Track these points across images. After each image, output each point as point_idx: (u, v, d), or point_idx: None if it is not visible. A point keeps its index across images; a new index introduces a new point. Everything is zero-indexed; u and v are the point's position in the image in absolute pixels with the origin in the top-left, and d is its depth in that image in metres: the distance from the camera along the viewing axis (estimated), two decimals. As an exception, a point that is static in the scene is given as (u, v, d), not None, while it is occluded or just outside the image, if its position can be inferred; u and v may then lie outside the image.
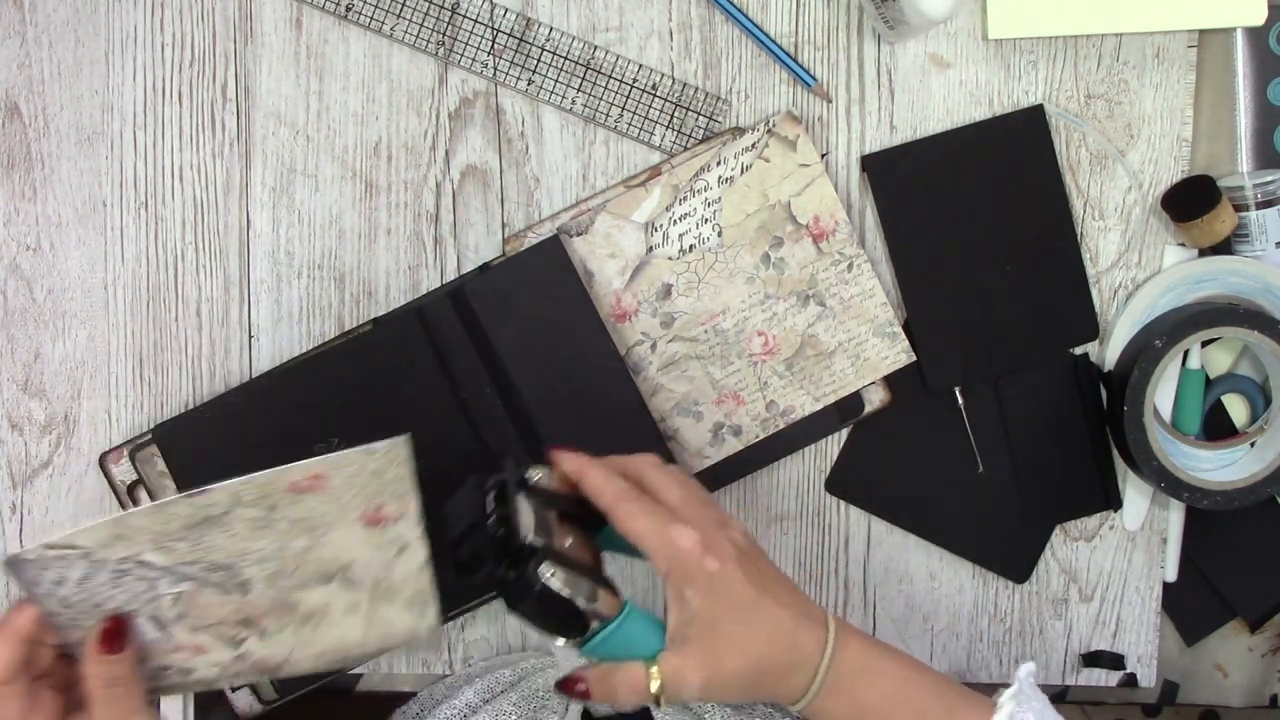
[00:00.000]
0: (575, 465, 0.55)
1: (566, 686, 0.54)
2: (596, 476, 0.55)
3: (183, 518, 0.53)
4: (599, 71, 0.71)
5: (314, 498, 0.55)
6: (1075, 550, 0.75)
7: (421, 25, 0.70)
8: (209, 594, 0.55)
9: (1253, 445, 0.74)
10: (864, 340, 0.72)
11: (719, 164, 0.71)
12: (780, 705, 0.61)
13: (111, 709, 0.52)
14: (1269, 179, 0.71)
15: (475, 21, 0.71)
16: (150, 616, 0.54)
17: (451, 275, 0.72)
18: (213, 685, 0.57)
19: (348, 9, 0.71)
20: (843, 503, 0.74)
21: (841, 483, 0.74)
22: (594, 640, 0.53)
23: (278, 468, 0.53)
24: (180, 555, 0.54)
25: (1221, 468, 0.74)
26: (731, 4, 0.71)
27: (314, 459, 0.54)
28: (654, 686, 0.52)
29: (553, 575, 0.52)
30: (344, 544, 0.56)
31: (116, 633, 0.53)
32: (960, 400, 0.73)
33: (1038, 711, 0.53)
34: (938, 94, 0.72)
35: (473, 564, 0.56)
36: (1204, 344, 0.74)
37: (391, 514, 0.56)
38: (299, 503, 0.55)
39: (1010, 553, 0.75)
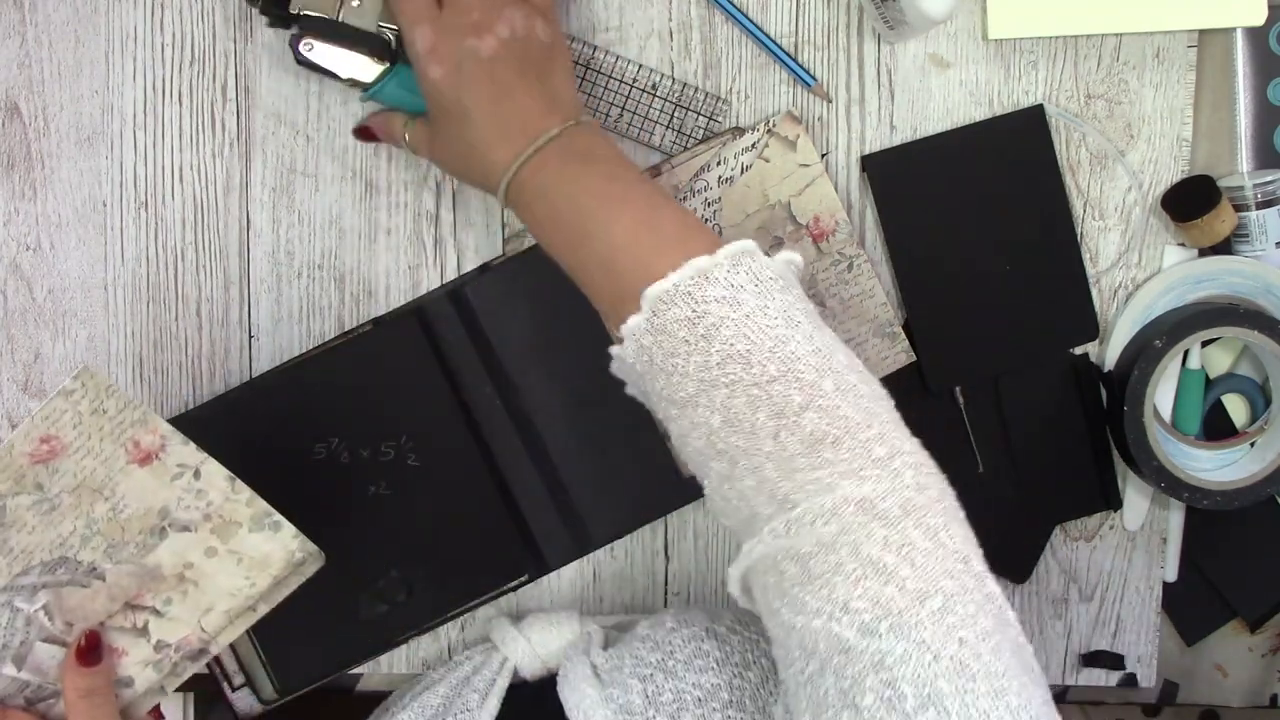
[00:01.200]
0: None
1: (361, 132, 0.69)
2: None
3: None
4: (599, 71, 0.71)
5: (66, 461, 0.56)
6: (1075, 550, 0.75)
7: (421, 25, 0.70)
8: (72, 594, 0.57)
9: (1253, 445, 0.74)
10: (864, 340, 0.72)
11: (719, 164, 0.71)
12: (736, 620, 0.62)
13: (88, 718, 0.55)
14: (1269, 179, 0.71)
15: (475, 21, 0.71)
16: (42, 640, 0.56)
17: (451, 275, 0.72)
18: (164, 690, 0.59)
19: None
20: (843, 503, 0.74)
21: (841, 483, 0.74)
22: (374, 88, 0.65)
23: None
24: (3, 571, 0.56)
25: (1221, 468, 0.74)
26: (731, 4, 0.71)
27: (24, 422, 0.56)
28: (405, 140, 0.65)
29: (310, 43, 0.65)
30: (140, 492, 0.57)
31: (91, 647, 0.55)
32: (960, 400, 0.73)
33: (750, 280, 0.50)
34: (938, 94, 0.72)
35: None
36: (1204, 344, 0.74)
37: (151, 444, 0.57)
38: (58, 472, 0.56)
39: (1010, 553, 0.75)
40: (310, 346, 0.71)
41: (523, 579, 0.71)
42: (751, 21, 0.71)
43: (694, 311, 0.49)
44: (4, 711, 0.55)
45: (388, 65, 0.65)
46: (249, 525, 0.58)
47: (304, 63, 0.65)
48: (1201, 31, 0.73)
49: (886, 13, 0.68)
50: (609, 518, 0.71)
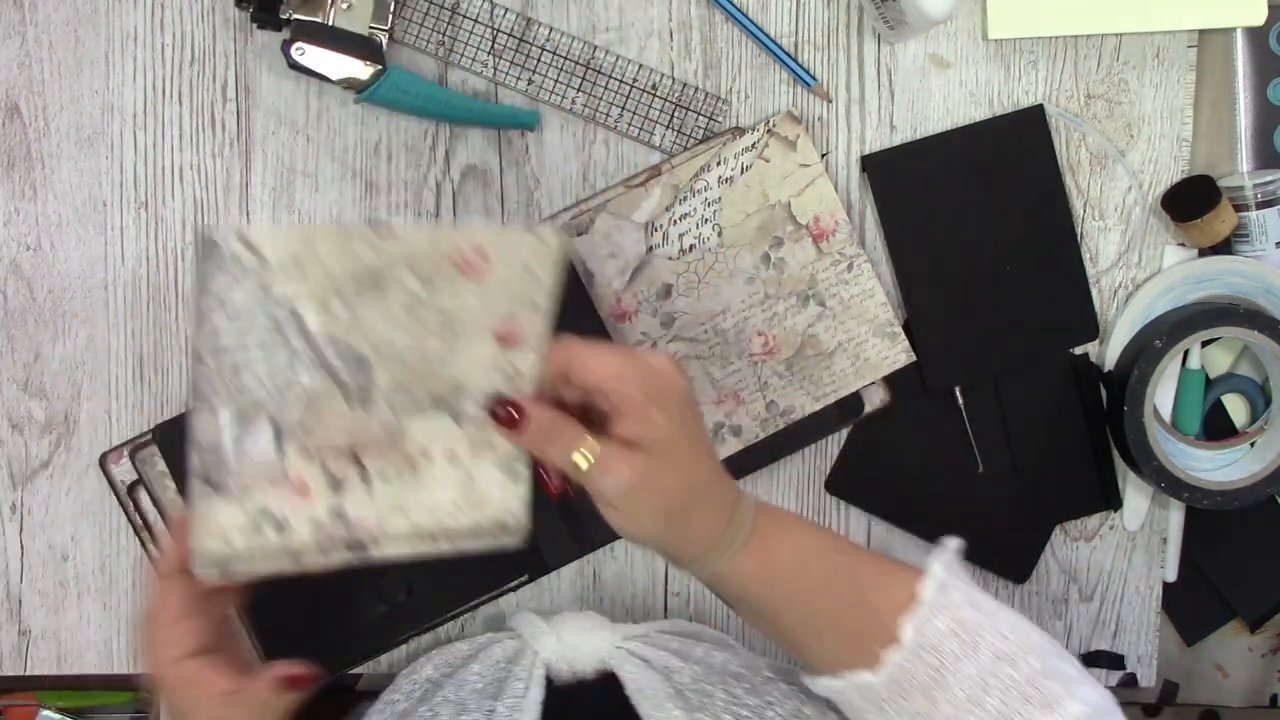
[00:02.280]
0: (563, 357, 0.53)
1: (501, 409, 0.53)
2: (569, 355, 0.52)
3: (357, 263, 0.51)
4: (599, 71, 0.71)
5: (469, 286, 0.53)
6: (1075, 550, 0.75)
7: (421, 25, 0.70)
8: (333, 400, 0.53)
9: (1253, 445, 0.74)
10: (864, 340, 0.72)
11: (719, 164, 0.71)
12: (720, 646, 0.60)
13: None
14: (1269, 179, 0.71)
15: (475, 21, 0.71)
16: (272, 418, 0.52)
17: (451, 275, 0.72)
18: (304, 560, 0.53)
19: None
20: (843, 503, 0.74)
21: (841, 483, 0.74)
22: (367, 91, 0.65)
23: (444, 229, 0.52)
24: (332, 325, 0.52)
25: (1221, 468, 0.74)
26: (731, 4, 0.71)
27: (481, 223, 0.54)
28: (582, 464, 0.51)
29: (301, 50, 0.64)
30: (470, 360, 0.53)
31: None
32: (960, 400, 0.73)
33: (967, 584, 0.53)
34: (938, 94, 0.72)
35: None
36: (1204, 344, 0.74)
37: (522, 332, 0.54)
38: (454, 287, 0.53)
39: (1010, 553, 0.75)
40: (310, 346, 0.71)
41: (523, 579, 0.71)
42: (751, 21, 0.71)
43: (955, 620, 0.50)
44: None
45: (380, 68, 0.66)
46: (499, 458, 0.55)
47: (296, 67, 0.66)
48: (1201, 31, 0.73)
49: (886, 13, 0.68)
50: (609, 518, 0.71)
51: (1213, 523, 0.75)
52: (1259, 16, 0.70)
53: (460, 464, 0.54)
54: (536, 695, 0.59)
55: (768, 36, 0.71)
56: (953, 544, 0.54)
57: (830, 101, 0.72)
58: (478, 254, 0.52)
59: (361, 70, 0.66)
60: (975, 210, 0.72)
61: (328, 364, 0.52)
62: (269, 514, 0.52)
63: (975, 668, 0.50)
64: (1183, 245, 0.74)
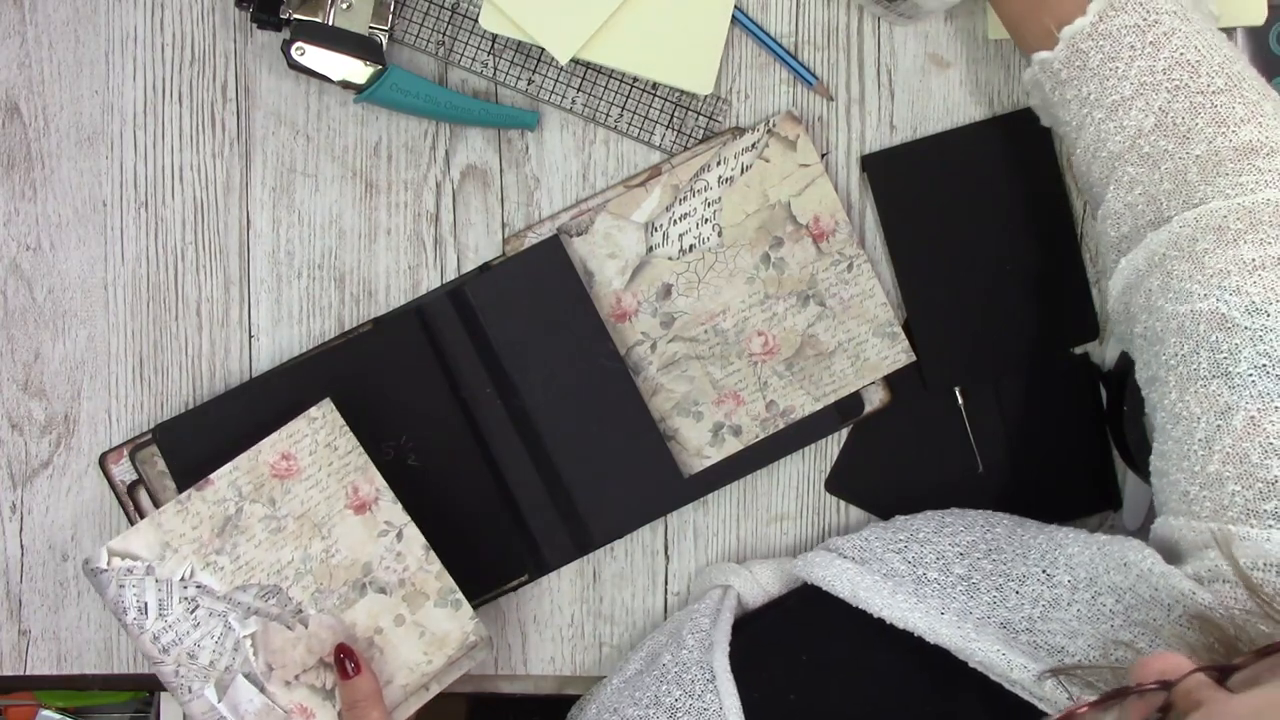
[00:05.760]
0: None
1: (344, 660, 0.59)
2: None
3: (206, 518, 0.58)
4: (599, 71, 0.71)
5: (297, 485, 0.59)
6: (1075, 550, 0.75)
7: (421, 25, 0.70)
8: (277, 634, 0.59)
9: (1253, 445, 0.74)
10: (864, 340, 0.72)
11: (719, 164, 0.71)
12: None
13: None
14: (1269, 179, 0.71)
15: (475, 21, 0.71)
16: (245, 675, 0.58)
17: (451, 275, 0.72)
18: None
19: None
20: (843, 503, 0.74)
21: (841, 483, 0.74)
22: (368, 91, 0.66)
23: (248, 451, 0.59)
24: (229, 576, 0.58)
25: (1221, 468, 0.74)
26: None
27: (270, 436, 0.60)
28: None
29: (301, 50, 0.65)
30: (351, 540, 0.59)
31: (344, 657, 0.58)
32: (960, 400, 0.73)
33: None
34: (938, 94, 0.72)
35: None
36: (1204, 344, 0.74)
37: (367, 494, 0.60)
38: (289, 494, 0.59)
39: (1010, 553, 0.75)
40: (310, 346, 0.71)
41: (523, 579, 0.71)
42: (752, 21, 0.71)
43: (1144, 19, 0.52)
44: None
45: (379, 68, 0.66)
46: (435, 599, 0.60)
47: (296, 66, 0.66)
48: (1202, 31, 0.73)
49: (898, 5, 0.68)
50: (609, 518, 0.71)
51: (1213, 523, 0.75)
52: (1259, 16, 0.70)
53: (407, 622, 0.60)
54: (727, 618, 0.62)
55: (768, 36, 0.71)
56: None
57: (832, 99, 0.72)
58: (282, 458, 0.60)
59: (361, 70, 0.66)
60: (975, 210, 0.72)
61: (252, 608, 0.59)
62: None
63: (1148, 64, 0.51)
64: (1183, 245, 0.73)
